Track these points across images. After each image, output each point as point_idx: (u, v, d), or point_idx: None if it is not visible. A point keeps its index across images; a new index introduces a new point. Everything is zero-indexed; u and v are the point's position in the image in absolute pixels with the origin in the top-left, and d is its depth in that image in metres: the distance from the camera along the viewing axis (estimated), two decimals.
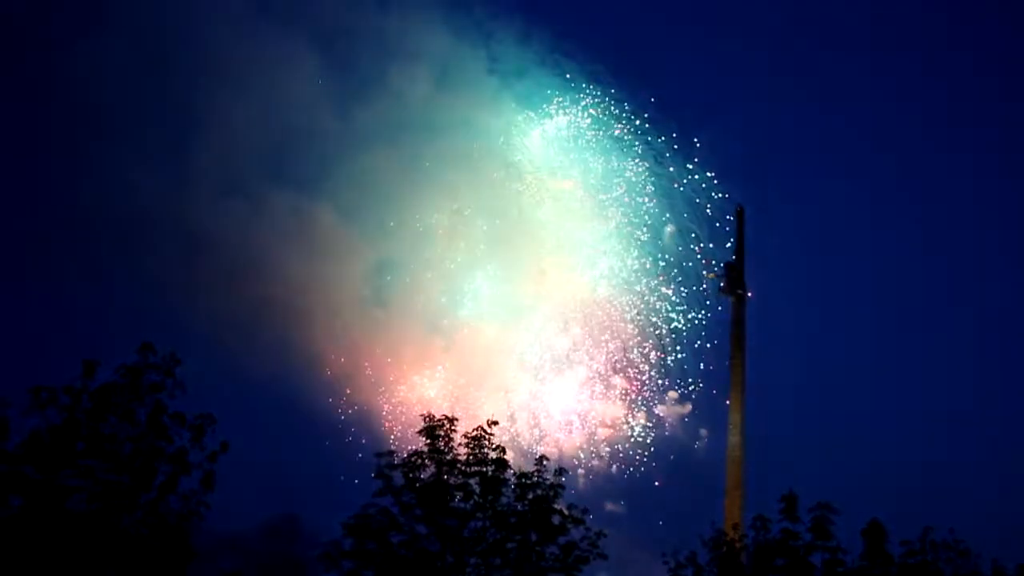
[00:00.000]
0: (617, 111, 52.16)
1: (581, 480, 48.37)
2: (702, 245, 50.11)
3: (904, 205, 78.11)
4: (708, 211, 50.32)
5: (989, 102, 79.46)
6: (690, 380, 50.22)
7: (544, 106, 52.46)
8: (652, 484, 49.37)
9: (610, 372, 50.94)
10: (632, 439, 49.67)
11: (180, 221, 54.06)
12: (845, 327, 69.88)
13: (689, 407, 50.13)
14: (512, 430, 48.82)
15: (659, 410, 50.22)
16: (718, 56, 70.16)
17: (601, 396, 50.79)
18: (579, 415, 50.54)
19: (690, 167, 51.28)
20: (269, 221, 53.90)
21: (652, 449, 49.49)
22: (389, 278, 53.35)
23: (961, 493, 55.58)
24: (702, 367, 49.89)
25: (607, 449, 49.93)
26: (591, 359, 50.99)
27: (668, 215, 51.17)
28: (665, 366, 50.53)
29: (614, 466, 49.53)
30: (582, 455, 49.73)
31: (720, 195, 50.13)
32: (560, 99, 52.42)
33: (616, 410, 50.45)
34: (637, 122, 51.80)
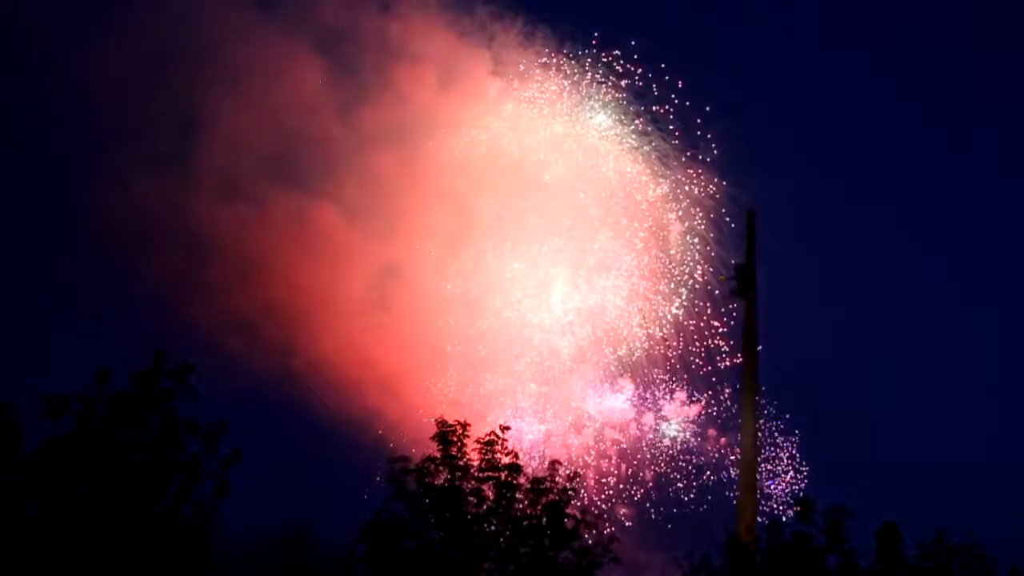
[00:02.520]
0: (620, 113, 52.19)
1: (592, 484, 48.35)
2: (710, 247, 50.28)
3: (906, 204, 78.04)
4: (716, 212, 50.46)
5: (992, 102, 79.43)
6: (699, 381, 50.32)
7: (548, 109, 52.50)
8: (662, 486, 49.38)
9: (618, 374, 50.95)
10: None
11: (184, 225, 54.02)
12: (849, 328, 69.55)
13: (699, 408, 50.10)
14: (525, 432, 48.75)
15: (668, 412, 50.22)
16: (721, 57, 69.98)
17: (610, 398, 50.74)
18: (588, 417, 50.51)
19: (697, 169, 51.32)
20: (273, 224, 53.90)
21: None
22: (394, 281, 53.38)
23: (976, 494, 55.41)
24: (712, 369, 50.06)
25: (616, 453, 49.92)
26: (598, 360, 50.98)
27: (676, 217, 51.23)
28: (674, 368, 50.55)
29: (623, 467, 49.50)
30: (592, 458, 49.70)
31: (728, 196, 50.25)
32: (563, 101, 52.50)
33: (625, 412, 50.42)
34: (641, 124, 51.85)
